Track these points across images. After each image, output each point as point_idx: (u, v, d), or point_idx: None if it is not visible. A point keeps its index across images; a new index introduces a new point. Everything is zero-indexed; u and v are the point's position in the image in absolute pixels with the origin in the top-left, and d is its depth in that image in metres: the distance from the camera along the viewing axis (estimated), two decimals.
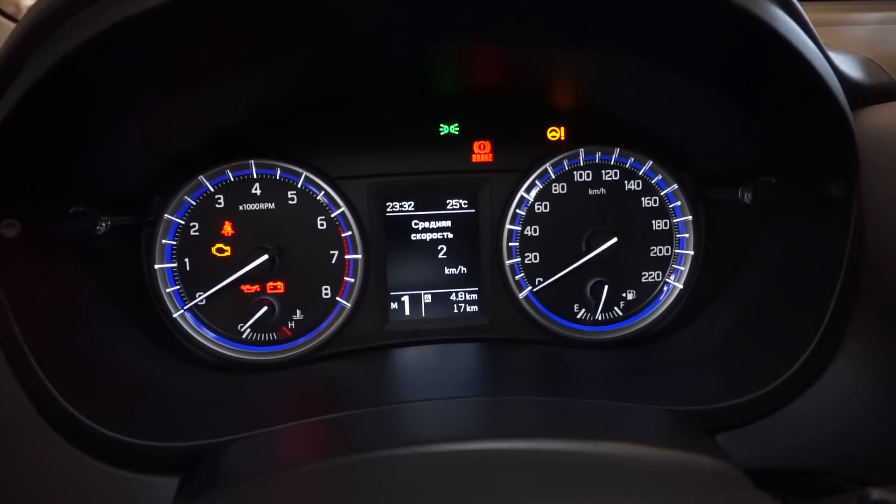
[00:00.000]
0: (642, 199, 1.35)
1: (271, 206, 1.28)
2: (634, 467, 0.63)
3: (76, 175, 1.00)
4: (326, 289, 1.31)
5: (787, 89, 0.92)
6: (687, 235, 1.36)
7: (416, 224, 1.35)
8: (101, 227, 1.07)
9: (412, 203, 1.34)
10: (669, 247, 1.36)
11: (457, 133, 1.32)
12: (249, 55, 0.93)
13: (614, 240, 1.30)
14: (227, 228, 1.27)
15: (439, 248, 1.36)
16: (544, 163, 1.33)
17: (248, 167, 1.27)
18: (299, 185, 1.28)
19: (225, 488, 0.73)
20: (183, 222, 1.26)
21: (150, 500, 0.86)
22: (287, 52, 0.95)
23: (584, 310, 1.37)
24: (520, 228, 1.34)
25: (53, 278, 0.97)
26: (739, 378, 0.99)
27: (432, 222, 1.35)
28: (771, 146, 1.07)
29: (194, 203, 1.26)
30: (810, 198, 1.02)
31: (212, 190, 1.26)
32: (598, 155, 1.34)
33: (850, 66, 1.03)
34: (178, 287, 1.27)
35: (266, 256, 1.24)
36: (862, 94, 0.99)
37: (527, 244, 1.35)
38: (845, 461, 0.92)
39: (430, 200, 1.34)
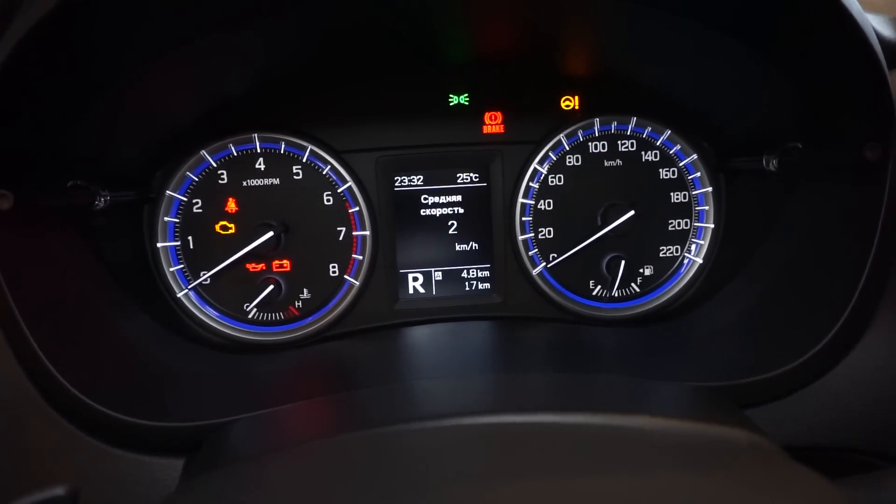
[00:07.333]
0: (660, 170, 1.30)
1: (276, 181, 1.24)
2: (666, 441, 0.59)
3: (72, 147, 0.96)
4: (334, 267, 1.27)
5: (823, 43, 0.87)
6: (707, 208, 1.31)
7: (425, 199, 1.30)
8: (101, 202, 1.03)
9: (421, 177, 1.29)
10: (689, 220, 1.31)
11: (467, 103, 1.27)
12: (246, 13, 0.89)
13: (631, 213, 1.26)
14: (231, 205, 1.23)
15: (450, 223, 1.31)
16: (558, 133, 1.28)
17: (252, 141, 1.22)
18: (304, 160, 1.24)
19: (229, 465, 0.69)
20: (185, 199, 1.22)
21: (155, 481, 0.83)
22: (284, 9, 0.90)
23: (600, 286, 1.33)
24: (533, 202, 1.30)
25: (51, 254, 0.94)
26: (767, 352, 0.95)
27: (442, 197, 1.30)
28: (799, 108, 1.02)
29: (196, 179, 1.22)
30: (840, 162, 0.97)
31: (214, 165, 1.22)
32: (613, 125, 1.29)
33: (880, 25, 0.97)
34: (182, 266, 1.24)
35: (271, 233, 1.20)
36: (893, 55, 0.93)
37: (540, 219, 1.30)
38: (881, 438, 0.88)
39: (439, 174, 1.30)
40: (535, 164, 1.28)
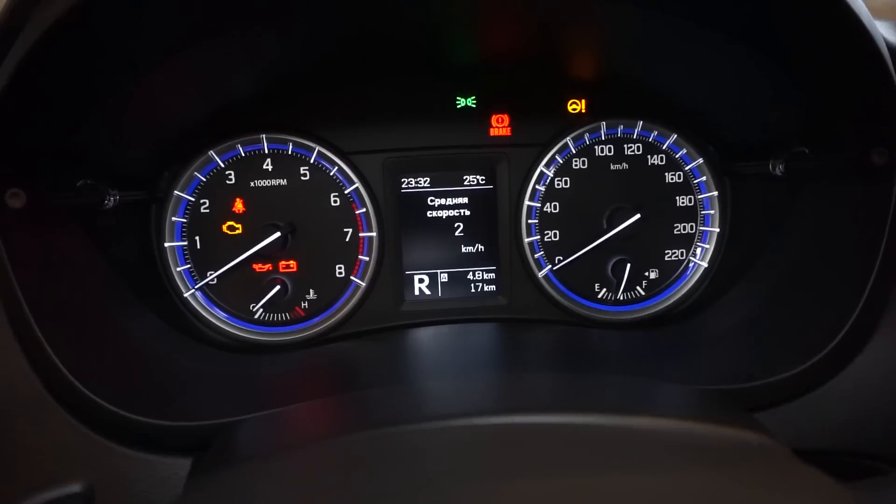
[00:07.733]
0: (666, 174, 1.30)
1: (283, 182, 1.24)
2: (676, 442, 0.59)
3: (82, 147, 0.97)
4: (340, 267, 1.28)
5: (831, 48, 0.87)
6: (712, 212, 1.31)
7: (431, 200, 1.31)
8: (110, 201, 1.04)
9: (428, 179, 1.30)
10: (694, 224, 1.31)
11: (474, 106, 1.28)
12: (254, 15, 0.89)
13: (637, 216, 1.26)
14: (239, 205, 1.24)
15: (456, 225, 1.32)
16: (564, 136, 1.28)
17: (260, 142, 1.23)
18: (312, 161, 1.25)
19: (236, 465, 0.69)
20: (193, 199, 1.23)
21: (162, 480, 0.83)
22: (292, 12, 0.91)
23: (605, 289, 1.33)
24: (539, 205, 1.30)
25: (61, 253, 0.94)
26: (773, 356, 0.95)
27: (448, 199, 1.31)
28: (805, 113, 1.02)
29: (204, 179, 1.23)
30: (847, 166, 0.97)
31: (222, 165, 1.23)
32: (620, 128, 1.29)
33: (888, 31, 0.97)
34: (189, 266, 1.24)
35: (278, 234, 1.21)
36: None
37: (546, 221, 1.30)
38: (889, 442, 0.88)
39: (446, 176, 1.30)
40: (541, 167, 1.29)
